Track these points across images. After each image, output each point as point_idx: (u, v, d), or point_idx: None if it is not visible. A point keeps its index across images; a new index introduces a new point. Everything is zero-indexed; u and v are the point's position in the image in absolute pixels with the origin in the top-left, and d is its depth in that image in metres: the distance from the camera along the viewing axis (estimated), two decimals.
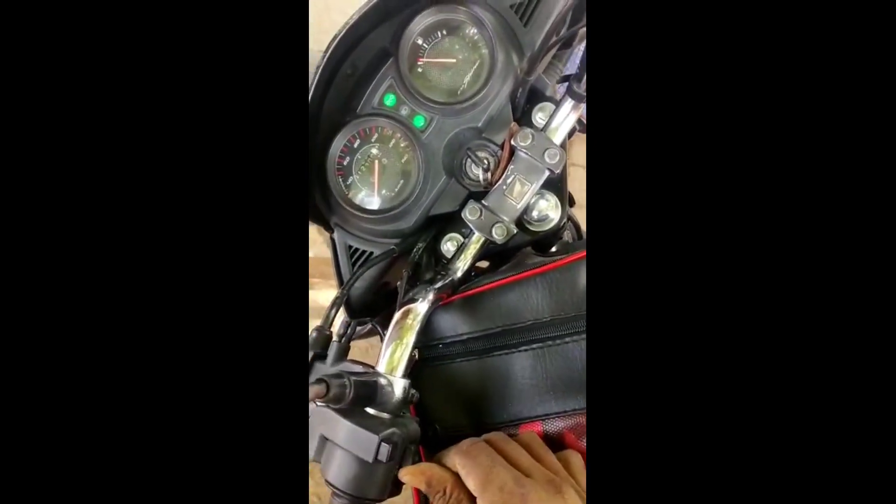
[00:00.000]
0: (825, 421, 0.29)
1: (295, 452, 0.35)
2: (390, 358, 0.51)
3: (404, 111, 0.59)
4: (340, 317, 0.59)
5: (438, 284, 0.55)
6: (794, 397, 0.29)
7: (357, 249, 0.61)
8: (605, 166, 0.34)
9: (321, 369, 0.51)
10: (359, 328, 0.62)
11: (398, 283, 0.67)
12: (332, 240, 0.63)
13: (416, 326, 0.52)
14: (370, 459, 0.44)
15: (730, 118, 0.32)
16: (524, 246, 0.62)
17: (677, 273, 0.32)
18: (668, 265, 0.32)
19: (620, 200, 0.33)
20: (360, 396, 0.45)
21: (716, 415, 0.30)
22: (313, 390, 0.41)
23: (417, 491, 0.55)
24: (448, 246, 0.62)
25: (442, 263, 0.62)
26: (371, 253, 0.61)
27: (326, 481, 0.46)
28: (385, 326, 0.54)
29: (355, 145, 0.61)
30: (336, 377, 0.43)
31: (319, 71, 0.56)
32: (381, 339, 0.54)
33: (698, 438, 0.30)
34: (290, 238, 0.36)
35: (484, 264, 0.66)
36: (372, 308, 0.63)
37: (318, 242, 1.77)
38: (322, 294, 1.83)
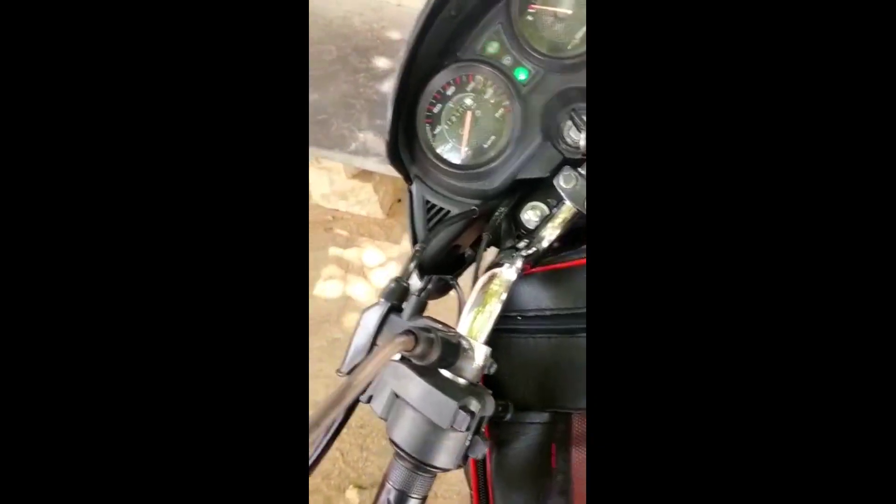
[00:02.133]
0: (823, 420, 0.28)
1: (295, 443, 0.32)
2: (472, 323, 0.47)
3: (507, 61, 0.55)
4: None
5: (525, 252, 0.51)
6: (791, 397, 0.28)
7: (434, 206, 0.57)
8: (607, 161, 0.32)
9: (396, 322, 0.47)
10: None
11: (469, 246, 0.64)
12: (410, 192, 0.59)
13: (502, 293, 0.48)
14: (445, 426, 0.40)
15: (728, 115, 0.30)
16: None
17: (680, 271, 0.30)
18: (671, 261, 0.30)
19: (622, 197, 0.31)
20: (443, 357, 0.41)
21: (718, 416, 0.29)
22: (400, 342, 0.37)
23: (475, 463, 0.51)
24: (530, 215, 0.57)
25: (521, 232, 0.57)
26: (448, 211, 0.57)
27: (391, 440, 0.43)
28: None
29: (449, 92, 0.56)
30: (424, 331, 0.39)
31: (426, 9, 0.52)
32: (460, 299, 0.50)
33: (697, 444, 0.29)
34: (288, 220, 0.34)
35: None
36: (439, 268, 0.59)
37: (373, 201, 1.72)
38: (366, 253, 1.77)
